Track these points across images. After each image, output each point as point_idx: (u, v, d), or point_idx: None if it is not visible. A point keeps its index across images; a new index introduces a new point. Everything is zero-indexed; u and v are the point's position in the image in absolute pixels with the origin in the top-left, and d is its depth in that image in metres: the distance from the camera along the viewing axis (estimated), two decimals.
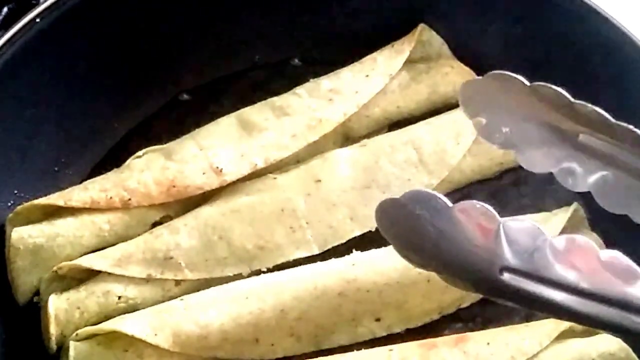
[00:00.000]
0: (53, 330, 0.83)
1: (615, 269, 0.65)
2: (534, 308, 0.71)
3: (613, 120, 0.70)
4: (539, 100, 0.75)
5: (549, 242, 0.67)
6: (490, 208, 0.69)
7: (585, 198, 0.93)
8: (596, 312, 0.66)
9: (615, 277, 0.65)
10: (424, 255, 0.73)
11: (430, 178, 0.92)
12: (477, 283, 0.71)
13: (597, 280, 0.66)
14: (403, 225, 0.73)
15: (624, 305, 0.65)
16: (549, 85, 0.73)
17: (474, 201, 0.69)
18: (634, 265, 0.66)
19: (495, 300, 0.72)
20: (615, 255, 0.66)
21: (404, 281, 0.85)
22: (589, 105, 0.72)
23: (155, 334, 0.81)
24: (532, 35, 0.94)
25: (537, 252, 0.67)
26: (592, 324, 0.68)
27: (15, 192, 0.90)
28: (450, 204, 0.70)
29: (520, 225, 0.68)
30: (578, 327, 0.83)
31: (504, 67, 0.77)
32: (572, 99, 0.72)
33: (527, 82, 0.75)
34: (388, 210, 0.73)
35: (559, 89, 0.73)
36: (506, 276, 0.68)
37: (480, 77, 0.79)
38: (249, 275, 0.87)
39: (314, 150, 0.93)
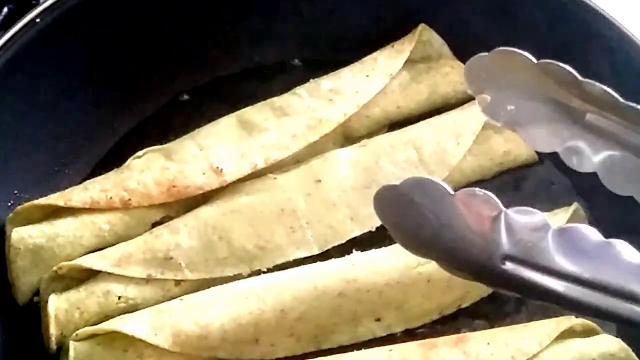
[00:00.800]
0: (53, 330, 0.83)
1: (617, 258, 0.65)
2: (536, 297, 0.70)
3: (622, 100, 0.69)
4: (545, 78, 0.73)
5: (551, 231, 0.67)
6: (493, 196, 0.68)
7: (586, 198, 0.93)
8: (598, 301, 0.66)
9: (618, 267, 0.65)
10: (423, 244, 0.72)
11: None
12: (478, 272, 0.70)
13: (599, 270, 0.65)
14: (403, 213, 0.72)
15: (626, 295, 0.65)
16: (557, 62, 0.72)
17: (476, 189, 0.69)
18: (636, 254, 0.65)
19: (496, 289, 0.71)
20: (618, 245, 0.65)
21: (404, 281, 0.85)
22: (597, 84, 0.70)
23: (155, 334, 0.81)
24: (533, 35, 0.94)
25: (539, 242, 0.67)
26: (594, 314, 0.68)
27: (15, 192, 0.90)
28: (451, 191, 0.69)
29: (523, 214, 0.68)
30: (578, 327, 0.83)
31: None
32: (580, 77, 0.71)
33: (534, 60, 0.73)
34: (387, 197, 0.73)
35: (567, 67, 0.71)
36: (508, 265, 0.68)
37: (486, 54, 0.77)
38: (249, 275, 0.87)
39: (314, 150, 0.93)
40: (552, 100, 0.74)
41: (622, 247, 0.65)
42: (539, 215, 0.67)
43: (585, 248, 0.66)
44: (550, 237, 0.66)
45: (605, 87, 0.69)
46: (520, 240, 0.67)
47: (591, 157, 0.74)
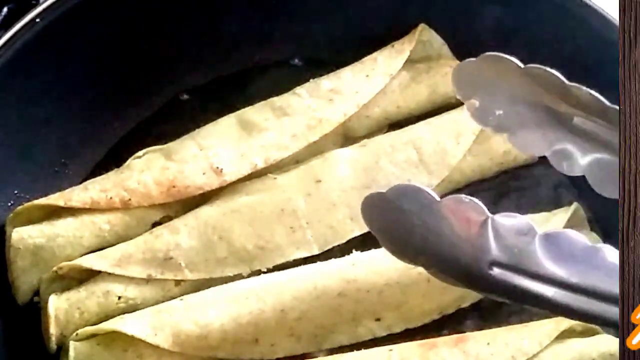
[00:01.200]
0: (53, 330, 0.83)
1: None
2: (525, 303, 0.70)
3: (608, 103, 0.69)
4: (533, 82, 0.73)
5: (538, 236, 0.67)
6: (479, 202, 0.68)
7: (586, 198, 0.93)
8: (586, 306, 0.66)
9: (605, 271, 0.65)
10: (411, 251, 0.72)
11: (430, 178, 0.92)
12: (466, 278, 0.70)
13: (586, 274, 0.66)
14: (390, 220, 0.72)
15: (613, 299, 0.64)
16: (543, 67, 0.72)
17: (462, 195, 0.69)
18: None
19: (485, 295, 0.71)
20: (605, 249, 0.65)
21: (404, 281, 0.85)
22: (583, 87, 0.70)
23: (155, 334, 0.81)
24: (533, 36, 0.94)
25: (526, 247, 0.67)
26: (583, 319, 0.67)
27: (15, 192, 0.90)
28: (437, 198, 0.69)
29: (510, 219, 0.68)
30: (578, 327, 0.83)
31: None
32: (566, 81, 0.71)
33: (521, 64, 0.73)
34: (374, 205, 0.73)
35: (553, 71, 0.71)
36: (496, 271, 0.68)
37: (474, 59, 0.77)
38: (249, 275, 0.87)
39: (314, 150, 0.93)
40: (539, 104, 0.74)
41: (608, 251, 0.65)
42: (525, 220, 0.67)
43: (572, 252, 0.66)
44: (537, 242, 0.66)
45: (591, 91, 0.70)
46: (508, 246, 0.67)
47: (579, 161, 0.74)
